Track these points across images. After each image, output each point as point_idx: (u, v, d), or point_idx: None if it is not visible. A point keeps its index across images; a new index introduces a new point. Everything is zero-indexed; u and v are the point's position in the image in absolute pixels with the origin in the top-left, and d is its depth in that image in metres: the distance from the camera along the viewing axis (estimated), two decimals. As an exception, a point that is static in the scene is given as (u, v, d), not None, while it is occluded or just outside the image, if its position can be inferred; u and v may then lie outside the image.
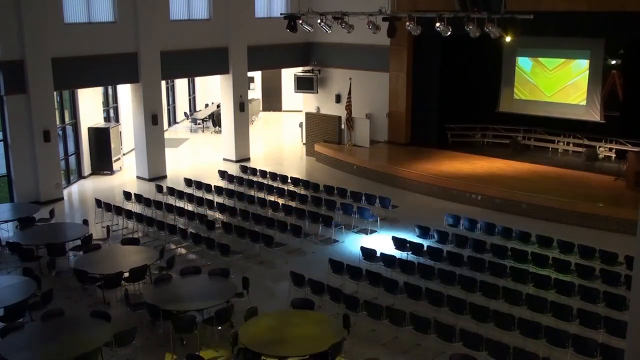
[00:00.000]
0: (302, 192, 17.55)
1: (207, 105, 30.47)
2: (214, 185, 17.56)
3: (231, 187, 18.26)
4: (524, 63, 21.46)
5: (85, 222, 14.46)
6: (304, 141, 23.51)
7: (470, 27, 13.83)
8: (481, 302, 10.54)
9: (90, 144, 20.39)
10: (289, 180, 18.30)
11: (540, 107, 21.26)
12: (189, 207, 16.37)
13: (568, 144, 20.88)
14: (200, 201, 16.32)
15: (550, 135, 21.18)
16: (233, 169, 20.24)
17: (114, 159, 20.64)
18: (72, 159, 20.04)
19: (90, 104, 20.65)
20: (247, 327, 9.67)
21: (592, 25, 17.38)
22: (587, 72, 20.18)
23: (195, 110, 31.11)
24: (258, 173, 19.31)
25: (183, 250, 14.29)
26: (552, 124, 21.12)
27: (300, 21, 15.93)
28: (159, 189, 17.43)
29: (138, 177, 20.09)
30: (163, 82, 21.40)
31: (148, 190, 18.06)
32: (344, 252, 13.87)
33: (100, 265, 11.98)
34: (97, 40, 18.13)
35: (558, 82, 20.85)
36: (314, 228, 15.02)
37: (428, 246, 13.01)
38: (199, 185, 17.68)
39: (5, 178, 17.62)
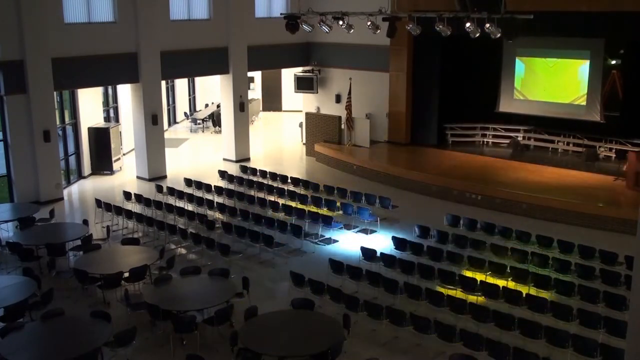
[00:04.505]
0: (302, 192, 17.55)
1: (207, 105, 30.47)
2: (214, 185, 17.56)
3: (231, 187, 18.26)
4: (523, 63, 21.45)
5: (85, 222, 14.46)
6: (304, 141, 23.51)
7: (470, 27, 13.83)
8: (481, 303, 10.54)
9: (90, 144, 20.39)
10: (289, 180, 18.30)
11: (540, 107, 21.25)
12: (189, 207, 16.37)
13: (568, 144, 20.87)
14: (200, 201, 16.32)
15: (550, 135, 21.17)
16: (233, 169, 20.24)
17: (114, 159, 20.64)
18: (72, 159, 20.04)
19: (90, 104, 20.65)
20: (247, 327, 9.68)
21: (592, 25, 17.38)
22: (587, 72, 20.18)
23: (195, 110, 31.11)
24: (258, 173, 19.31)
25: (183, 250, 14.29)
26: (552, 124, 21.12)
27: (300, 20, 15.92)
28: (159, 189, 17.43)
29: (138, 177, 20.08)
30: (163, 82, 21.39)
31: (148, 190, 18.06)
32: (343, 252, 13.87)
33: (100, 265, 11.98)
34: (97, 40, 18.13)
35: (558, 81, 20.85)
36: (314, 228, 15.02)
37: (428, 246, 13.01)
38: (199, 185, 17.67)
39: (5, 178, 17.62)
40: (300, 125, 24.46)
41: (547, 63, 21.02)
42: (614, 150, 19.62)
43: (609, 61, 20.20)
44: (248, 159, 22.21)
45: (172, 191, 17.13)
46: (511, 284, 11.47)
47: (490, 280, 11.69)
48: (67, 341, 9.52)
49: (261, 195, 17.43)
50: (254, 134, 24.68)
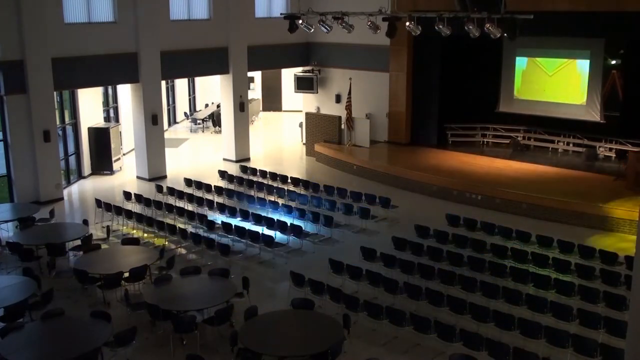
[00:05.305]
0: (302, 192, 17.54)
1: (207, 105, 30.47)
2: (214, 185, 17.56)
3: (231, 187, 18.26)
4: (523, 63, 21.46)
5: (85, 222, 14.46)
6: (304, 141, 23.51)
7: (470, 27, 13.83)
8: (481, 302, 10.55)
9: (90, 144, 20.39)
10: (289, 180, 18.30)
11: (540, 107, 21.25)
12: (189, 207, 16.37)
13: (568, 144, 20.88)
14: (200, 201, 16.32)
15: (550, 135, 21.17)
16: (233, 169, 20.24)
17: (114, 159, 20.64)
18: (72, 159, 20.04)
19: (90, 104, 20.65)
20: (247, 327, 9.68)
21: (592, 25, 17.39)
22: (588, 72, 20.18)
23: (195, 110, 31.11)
24: (258, 173, 19.31)
25: (183, 250, 14.29)
26: (552, 124, 21.12)
27: (300, 21, 15.92)
28: (159, 189, 17.43)
29: (138, 177, 20.08)
30: (163, 82, 21.39)
31: (148, 190, 18.05)
32: (344, 252, 13.86)
33: (100, 265, 11.98)
34: (97, 40, 18.13)
35: (558, 82, 20.86)
36: (314, 228, 15.02)
37: (428, 246, 13.01)
38: (199, 185, 17.67)
39: (5, 178, 17.62)
40: (300, 125, 24.46)
41: (547, 63, 21.00)
42: (614, 150, 19.62)
43: (609, 61, 20.21)
44: (248, 159, 22.21)
45: (172, 191, 17.13)
46: (511, 284, 11.48)
47: (491, 280, 11.69)
48: (67, 341, 9.52)
49: (261, 195, 17.43)
50: (254, 134, 24.69)
